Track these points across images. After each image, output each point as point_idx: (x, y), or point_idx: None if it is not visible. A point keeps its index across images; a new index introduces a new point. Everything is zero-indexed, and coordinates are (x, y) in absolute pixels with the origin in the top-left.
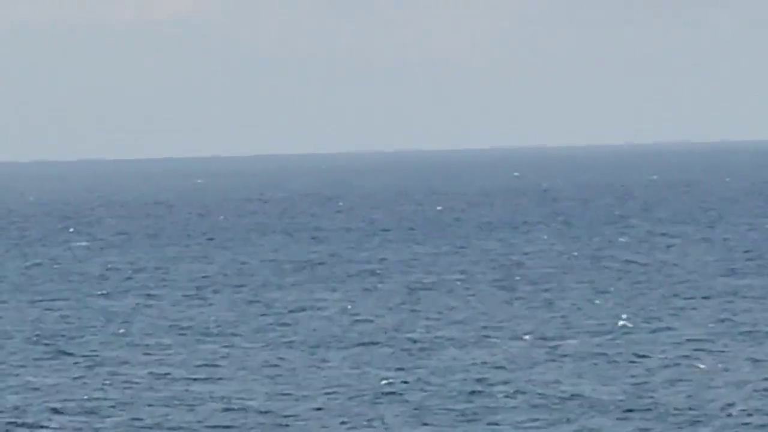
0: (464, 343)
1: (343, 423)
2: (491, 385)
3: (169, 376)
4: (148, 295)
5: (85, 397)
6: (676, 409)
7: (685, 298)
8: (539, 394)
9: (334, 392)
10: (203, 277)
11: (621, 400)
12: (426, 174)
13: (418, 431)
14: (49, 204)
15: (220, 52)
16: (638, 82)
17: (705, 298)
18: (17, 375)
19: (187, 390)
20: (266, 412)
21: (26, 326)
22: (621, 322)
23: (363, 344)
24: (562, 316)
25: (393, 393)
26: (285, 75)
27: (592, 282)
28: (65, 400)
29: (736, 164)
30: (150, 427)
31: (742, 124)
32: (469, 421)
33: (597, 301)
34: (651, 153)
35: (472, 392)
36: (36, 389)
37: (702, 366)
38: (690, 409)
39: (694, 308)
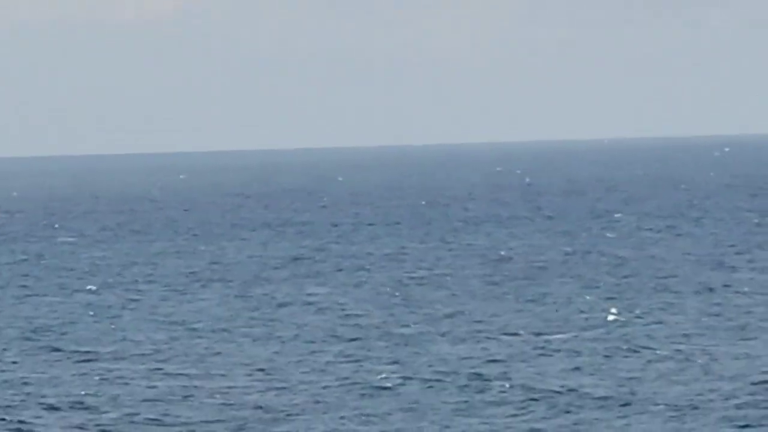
0: (456, 337)
1: (339, 418)
2: (485, 379)
3: (162, 371)
4: (137, 290)
5: (82, 392)
6: (667, 402)
7: (675, 292)
8: (532, 388)
9: (328, 386)
10: (191, 272)
11: (612, 394)
12: (413, 169)
13: (412, 425)
14: (33, 200)
15: (220, 51)
16: (638, 82)
17: (694, 292)
18: (9, 371)
19: (181, 385)
20: (260, 407)
21: (16, 322)
22: (611, 317)
23: (355, 339)
24: (552, 311)
25: (387, 387)
26: (285, 74)
27: (581, 276)
28: (59, 395)
29: (724, 158)
30: (146, 423)
31: (742, 124)
32: (462, 415)
33: (586, 296)
34: (640, 149)
35: (465, 386)
36: (28, 384)
37: (692, 360)
38: (681, 402)
39: (684, 302)
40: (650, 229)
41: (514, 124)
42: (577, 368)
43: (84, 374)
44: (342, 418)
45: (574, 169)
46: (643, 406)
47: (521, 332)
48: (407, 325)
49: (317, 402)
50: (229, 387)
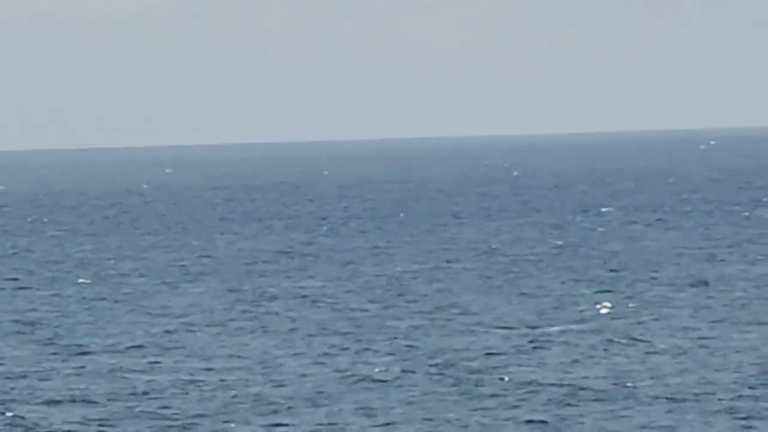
0: (452, 330)
1: (337, 410)
2: (481, 372)
3: (159, 365)
4: (129, 284)
5: (79, 386)
6: (663, 394)
7: (666, 285)
8: (527, 381)
9: (325, 379)
10: (182, 265)
11: (606, 387)
12: (402, 163)
13: (409, 417)
14: (19, 194)
15: (218, 46)
16: (638, 82)
17: (686, 284)
18: (5, 365)
19: (178, 378)
20: (257, 399)
21: (10, 315)
22: (605, 310)
23: (351, 332)
24: (547, 304)
25: (385, 380)
26: (284, 72)
27: (573, 269)
28: (57, 389)
29: (709, 152)
30: (144, 416)
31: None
32: (459, 407)
33: (580, 289)
34: (632, 142)
35: (462, 379)
36: (24, 377)
37: (688, 352)
38: (674, 394)
39: (677, 295)
40: (636, 222)
41: (514, 123)
42: (574, 361)
43: (81, 367)
44: (340, 410)
45: (564, 164)
46: (639, 398)
47: (516, 325)
48: (402, 318)
49: (315, 394)
50: (227, 380)
